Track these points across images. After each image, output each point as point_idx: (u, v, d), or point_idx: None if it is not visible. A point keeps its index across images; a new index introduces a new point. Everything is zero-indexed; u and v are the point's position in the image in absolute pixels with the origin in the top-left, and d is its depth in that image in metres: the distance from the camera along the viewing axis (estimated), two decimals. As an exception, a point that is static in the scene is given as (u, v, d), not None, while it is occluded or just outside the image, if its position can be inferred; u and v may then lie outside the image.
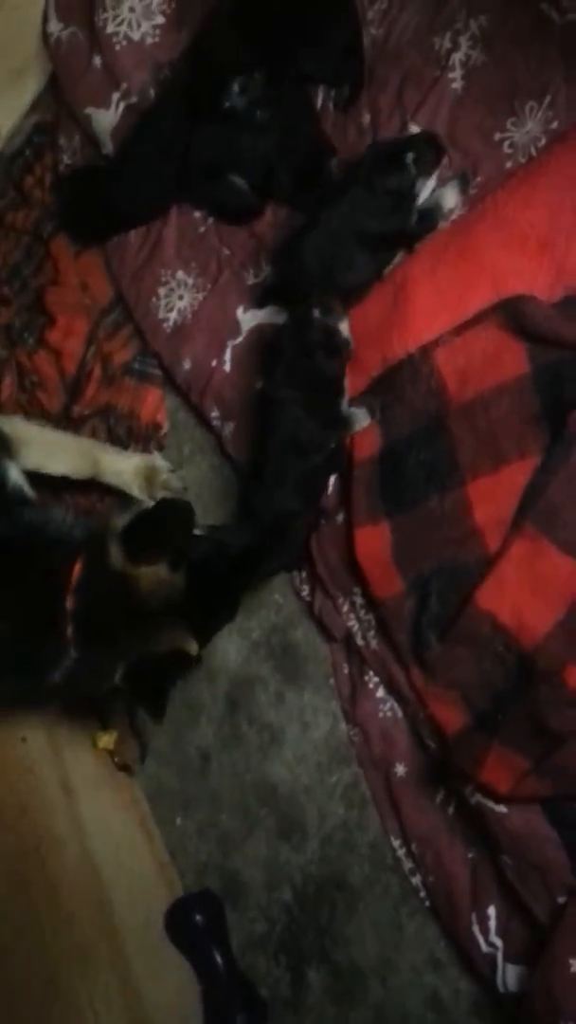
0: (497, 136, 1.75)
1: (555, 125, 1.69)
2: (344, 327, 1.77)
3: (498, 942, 1.76)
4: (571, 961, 1.58)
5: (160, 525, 1.68)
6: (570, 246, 1.65)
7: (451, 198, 1.78)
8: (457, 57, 1.78)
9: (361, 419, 1.83)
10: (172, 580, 1.66)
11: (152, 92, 2.14)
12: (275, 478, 1.83)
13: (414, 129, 1.81)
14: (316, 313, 1.74)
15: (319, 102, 1.96)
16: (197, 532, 1.77)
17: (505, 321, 1.70)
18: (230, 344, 2.08)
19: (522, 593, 1.66)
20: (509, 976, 1.73)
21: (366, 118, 1.90)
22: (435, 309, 1.78)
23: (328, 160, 1.90)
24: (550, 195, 1.67)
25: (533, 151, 1.72)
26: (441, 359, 1.76)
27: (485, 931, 1.77)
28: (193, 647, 1.69)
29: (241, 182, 1.99)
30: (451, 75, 1.79)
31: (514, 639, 1.67)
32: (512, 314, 1.69)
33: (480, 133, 1.77)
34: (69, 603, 1.65)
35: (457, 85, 1.78)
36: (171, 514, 1.71)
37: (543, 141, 1.71)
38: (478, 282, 1.74)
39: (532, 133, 1.72)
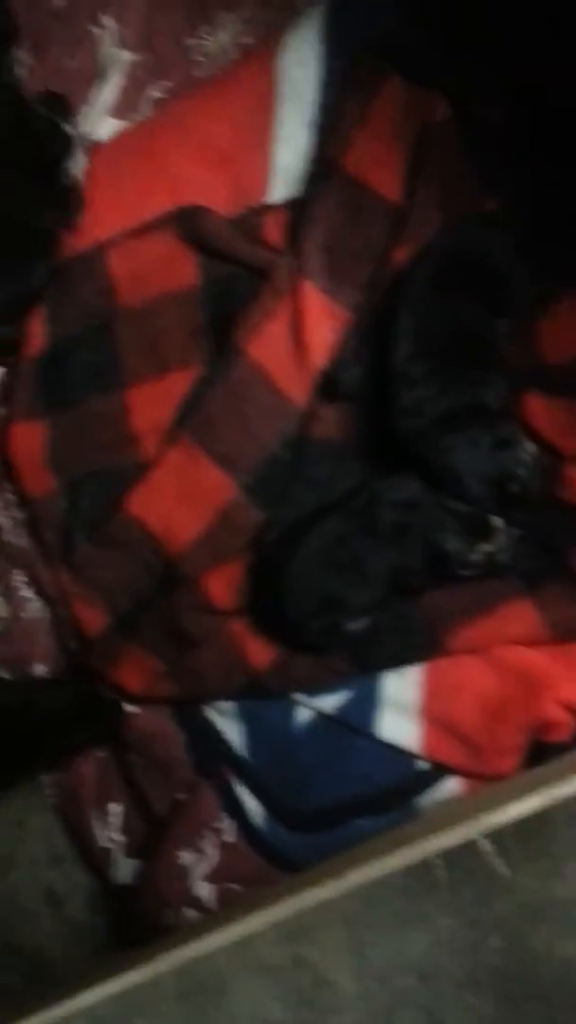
0: (190, 42, 1.74)
1: (245, 40, 1.70)
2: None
3: (119, 837, 1.81)
4: (179, 853, 1.65)
5: None
6: (250, 162, 1.68)
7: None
8: (156, -45, 1.74)
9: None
10: None
11: None
12: None
13: (107, 21, 1.76)
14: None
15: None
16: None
17: (180, 231, 1.70)
18: None
19: (173, 501, 1.69)
20: (125, 869, 1.78)
21: (60, 3, 1.82)
22: (112, 208, 1.75)
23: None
24: (235, 110, 1.68)
25: (223, 62, 1.72)
26: (114, 261, 1.74)
27: (106, 826, 1.81)
28: None
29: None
30: (149, -28, 1.75)
31: (161, 545, 1.70)
32: (188, 224, 1.69)
33: (173, 36, 1.74)
34: None
35: (154, -16, 1.75)
36: None
37: (232, 54, 1.71)
38: (157, 188, 1.73)
39: (223, 44, 1.72)
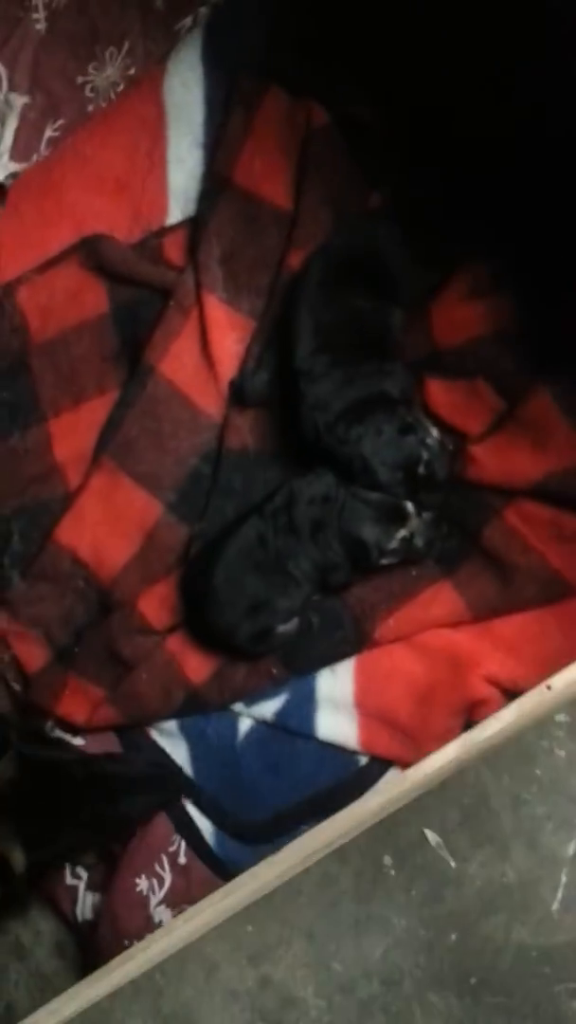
0: (79, 79, 1.78)
1: (132, 72, 1.74)
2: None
3: (82, 873, 1.77)
4: (136, 881, 1.62)
5: None
6: (145, 187, 1.71)
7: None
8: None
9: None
10: None
11: None
12: None
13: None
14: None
15: None
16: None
17: (85, 260, 1.73)
18: None
19: (100, 527, 1.70)
20: (88, 905, 1.74)
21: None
22: (18, 247, 1.78)
23: None
24: (127, 138, 1.72)
25: (113, 96, 1.76)
26: (23, 297, 1.77)
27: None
28: (17, 858, 1.48)
29: None
30: (35, 16, 1.79)
31: (93, 573, 1.70)
32: (92, 253, 1.72)
33: (63, 76, 1.78)
34: None
35: (41, 27, 1.79)
36: None
37: (121, 87, 1.75)
38: (60, 221, 1.76)
39: (111, 78, 1.76)
